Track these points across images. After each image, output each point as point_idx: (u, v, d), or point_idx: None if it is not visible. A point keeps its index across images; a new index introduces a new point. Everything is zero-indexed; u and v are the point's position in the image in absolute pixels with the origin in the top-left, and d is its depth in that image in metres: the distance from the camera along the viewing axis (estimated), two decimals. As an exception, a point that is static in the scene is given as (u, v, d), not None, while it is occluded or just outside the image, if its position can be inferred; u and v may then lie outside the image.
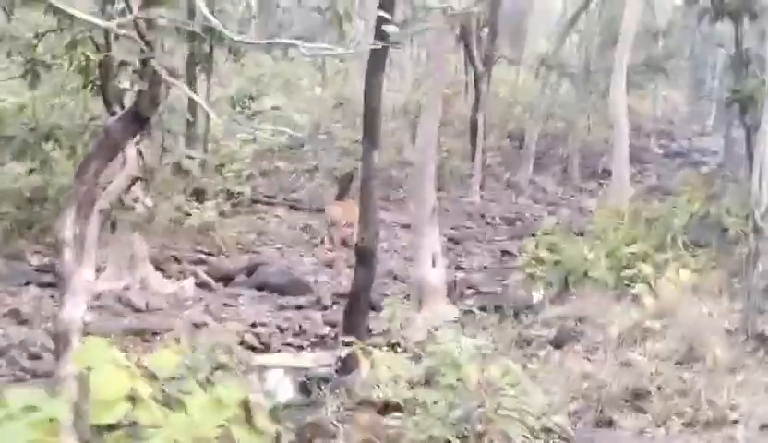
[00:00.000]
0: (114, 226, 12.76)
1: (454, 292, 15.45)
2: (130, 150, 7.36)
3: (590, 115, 27.97)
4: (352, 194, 20.31)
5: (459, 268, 17.06)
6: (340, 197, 19.23)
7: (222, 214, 17.51)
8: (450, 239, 18.84)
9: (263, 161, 19.96)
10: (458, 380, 5.88)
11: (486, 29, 23.70)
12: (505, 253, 18.01)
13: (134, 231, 13.20)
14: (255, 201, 19.10)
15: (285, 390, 10.10)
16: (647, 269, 10.48)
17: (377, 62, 9.80)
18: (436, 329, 11.32)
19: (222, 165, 18.46)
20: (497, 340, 9.86)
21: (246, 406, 4.64)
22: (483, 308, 13.68)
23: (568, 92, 28.43)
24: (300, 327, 13.06)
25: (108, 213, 7.05)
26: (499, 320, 11.37)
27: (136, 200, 11.77)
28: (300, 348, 12.36)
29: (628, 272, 10.86)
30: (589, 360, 7.78)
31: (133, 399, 4.61)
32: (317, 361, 11.46)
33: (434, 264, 12.61)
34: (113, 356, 4.71)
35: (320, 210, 19.17)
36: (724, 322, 8.00)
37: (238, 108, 19.14)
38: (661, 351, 7.46)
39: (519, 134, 26.73)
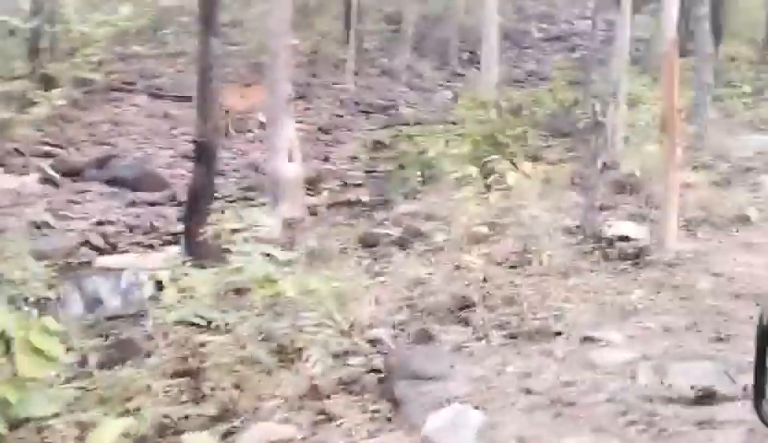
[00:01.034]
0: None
1: (319, 185, 15.16)
2: None
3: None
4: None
5: (326, 159, 16.65)
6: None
7: (74, 103, 16.46)
8: (320, 128, 18.32)
9: (119, 46, 18.64)
10: (271, 296, 5.50)
11: None
12: (377, 143, 17.61)
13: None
14: (112, 89, 17.98)
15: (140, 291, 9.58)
16: (501, 163, 10.21)
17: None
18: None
19: (75, 50, 17.16)
20: (345, 239, 9.58)
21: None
22: (347, 203, 13.46)
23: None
24: (151, 224, 12.46)
25: None
26: (354, 217, 11.05)
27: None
28: (150, 247, 11.82)
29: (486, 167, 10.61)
30: (428, 264, 7.48)
31: None
32: (167, 261, 10.92)
33: (290, 158, 12.08)
34: None
35: (182, 98, 18.25)
36: (564, 220, 7.82)
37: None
38: (498, 252, 7.22)
39: (398, 17, 25.97)
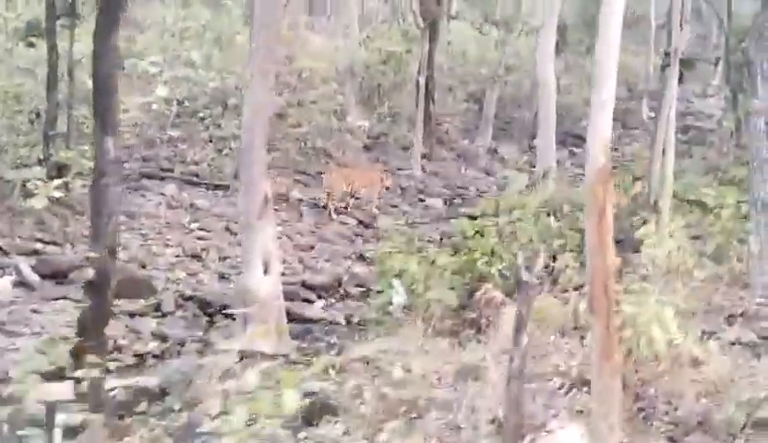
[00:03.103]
0: None
1: (338, 290, 13.24)
2: None
3: (562, 75, 24.97)
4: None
5: (362, 257, 14.68)
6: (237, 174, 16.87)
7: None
8: (361, 222, 16.39)
9: (154, 130, 17.43)
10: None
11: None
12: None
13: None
14: (144, 176, 16.71)
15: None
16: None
17: (108, 19, 7.25)
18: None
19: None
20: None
21: None
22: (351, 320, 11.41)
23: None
24: (115, 342, 10.78)
25: None
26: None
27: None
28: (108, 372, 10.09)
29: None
30: None
31: None
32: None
33: (266, 270, 10.16)
34: None
35: (218, 186, 16.82)
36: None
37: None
38: None
39: (482, 97, 23.90)
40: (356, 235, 15.91)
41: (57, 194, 13.89)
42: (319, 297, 12.88)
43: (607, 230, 4.03)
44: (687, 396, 5.32)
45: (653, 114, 28.15)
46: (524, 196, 11.96)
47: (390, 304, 9.04)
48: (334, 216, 16.49)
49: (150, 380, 8.31)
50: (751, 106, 8.64)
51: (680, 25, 10.18)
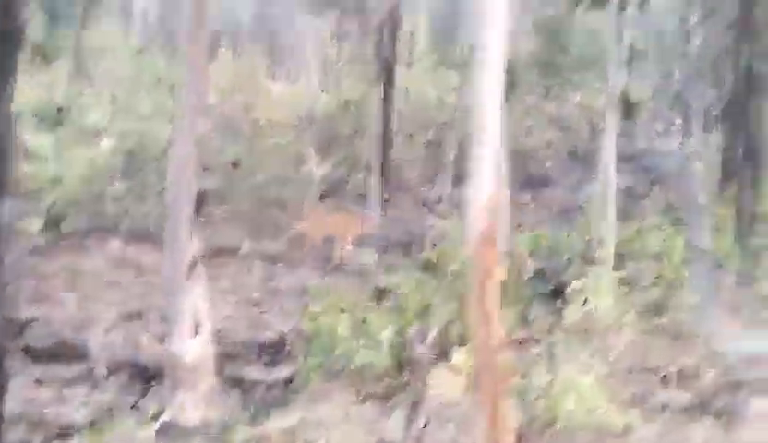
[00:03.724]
0: None
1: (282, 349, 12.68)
2: None
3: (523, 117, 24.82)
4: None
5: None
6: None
7: (35, 252, 14.72)
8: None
9: (101, 183, 16.91)
10: None
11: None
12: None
13: None
14: (91, 231, 16.18)
15: None
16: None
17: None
18: None
19: (40, 192, 15.54)
20: None
21: None
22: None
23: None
24: (42, 412, 10.25)
25: None
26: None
27: None
28: (28, 447, 9.56)
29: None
30: None
31: None
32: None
33: (196, 332, 9.66)
34: None
35: (167, 242, 16.29)
36: None
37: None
38: None
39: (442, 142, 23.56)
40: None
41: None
42: (261, 356, 12.36)
43: (493, 299, 3.57)
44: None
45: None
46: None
47: (320, 365, 8.56)
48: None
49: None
50: (687, 148, 8.27)
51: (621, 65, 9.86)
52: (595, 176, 24.73)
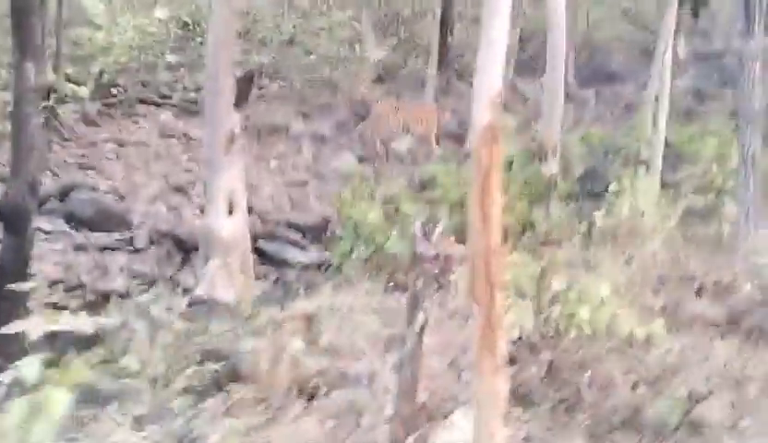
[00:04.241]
0: None
1: (324, 232, 12.61)
2: None
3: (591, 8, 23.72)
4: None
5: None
6: (237, 103, 16.19)
7: (84, 118, 14.74)
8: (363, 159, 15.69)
9: (154, 53, 16.70)
10: None
11: None
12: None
13: None
14: (141, 101, 16.12)
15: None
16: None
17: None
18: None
19: (93, 57, 15.42)
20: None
21: None
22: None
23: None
24: (79, 279, 10.41)
25: None
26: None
27: None
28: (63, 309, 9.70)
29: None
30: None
31: None
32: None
33: (231, 211, 9.56)
34: None
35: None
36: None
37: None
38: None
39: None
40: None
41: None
42: (303, 237, 12.33)
43: (493, 203, 3.29)
44: (620, 386, 4.64)
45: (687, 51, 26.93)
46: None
47: (352, 252, 8.42)
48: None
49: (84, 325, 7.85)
50: (746, 49, 7.71)
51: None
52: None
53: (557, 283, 4.70)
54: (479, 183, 3.35)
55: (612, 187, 6.75)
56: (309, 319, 7.16)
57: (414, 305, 4.27)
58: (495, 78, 3.62)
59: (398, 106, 16.50)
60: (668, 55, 8.83)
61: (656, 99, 8.82)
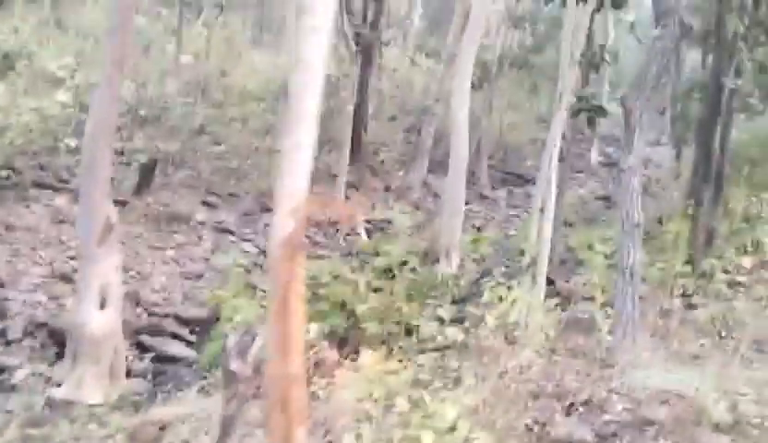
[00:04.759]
0: None
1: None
2: None
3: (504, 112, 24.17)
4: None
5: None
6: (138, 190, 15.82)
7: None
8: (263, 251, 15.26)
9: (53, 137, 16.20)
10: None
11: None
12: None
13: None
14: (37, 184, 15.54)
15: None
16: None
17: None
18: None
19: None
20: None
21: None
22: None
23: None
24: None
25: None
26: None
27: None
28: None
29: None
30: None
31: None
32: None
33: (103, 305, 9.02)
34: None
35: (118, 202, 15.65)
36: None
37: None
38: None
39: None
40: (255, 265, 14.75)
41: None
42: (191, 332, 11.79)
43: (294, 323, 2.92)
44: None
45: (601, 159, 27.59)
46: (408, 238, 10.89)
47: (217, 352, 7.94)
48: None
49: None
50: (624, 162, 7.69)
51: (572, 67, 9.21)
52: (577, 179, 24.49)
53: (402, 403, 4.33)
54: (279, 300, 3.00)
55: (484, 298, 6.49)
56: (163, 428, 6.66)
57: (226, 432, 3.85)
58: (299, 184, 3.33)
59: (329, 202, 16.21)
60: (554, 162, 8.78)
61: (541, 206, 8.70)
